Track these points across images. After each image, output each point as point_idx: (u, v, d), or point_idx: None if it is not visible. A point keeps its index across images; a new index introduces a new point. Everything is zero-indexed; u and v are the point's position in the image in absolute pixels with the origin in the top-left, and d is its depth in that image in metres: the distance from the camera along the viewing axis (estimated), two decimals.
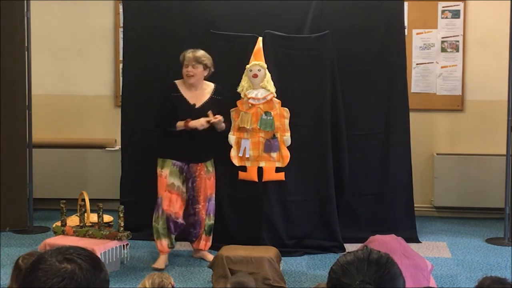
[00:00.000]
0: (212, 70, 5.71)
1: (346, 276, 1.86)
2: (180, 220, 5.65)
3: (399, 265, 1.95)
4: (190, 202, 5.71)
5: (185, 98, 5.64)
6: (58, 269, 1.75)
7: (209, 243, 5.84)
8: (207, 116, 5.56)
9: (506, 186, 6.50)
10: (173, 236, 5.70)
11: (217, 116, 5.56)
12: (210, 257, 5.68)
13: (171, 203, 5.62)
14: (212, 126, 5.60)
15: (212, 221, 5.81)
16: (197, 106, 5.63)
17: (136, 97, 6.48)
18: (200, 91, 5.68)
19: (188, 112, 5.58)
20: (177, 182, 5.63)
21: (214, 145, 5.80)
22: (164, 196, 5.62)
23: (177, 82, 5.69)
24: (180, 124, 5.55)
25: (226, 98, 5.84)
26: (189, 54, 5.60)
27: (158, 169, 5.66)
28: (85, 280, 1.75)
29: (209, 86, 5.73)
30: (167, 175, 5.61)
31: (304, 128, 6.10)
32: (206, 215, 5.76)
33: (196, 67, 5.59)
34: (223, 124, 5.66)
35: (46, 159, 7.45)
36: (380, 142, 6.43)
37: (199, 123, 5.53)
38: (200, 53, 5.63)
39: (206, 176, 5.71)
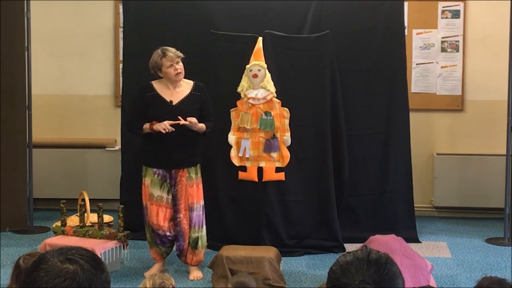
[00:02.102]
0: None
1: (345, 276, 1.86)
2: (166, 232, 5.38)
3: (399, 265, 1.95)
4: (174, 211, 5.40)
5: (161, 96, 5.32)
6: (60, 269, 1.75)
7: (198, 258, 5.45)
8: (186, 114, 5.23)
9: (506, 186, 6.50)
10: (162, 248, 5.46)
11: (189, 118, 5.21)
12: (196, 273, 5.41)
13: (151, 214, 5.38)
14: (189, 128, 5.25)
15: (198, 234, 5.40)
16: (174, 103, 5.31)
17: None
18: (179, 89, 5.36)
19: (165, 110, 5.26)
20: (158, 192, 5.35)
21: (201, 150, 5.51)
22: (147, 206, 5.42)
23: (153, 82, 5.40)
24: (146, 127, 5.28)
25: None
26: (171, 52, 5.27)
27: (143, 177, 5.43)
28: (86, 281, 1.75)
29: (188, 83, 5.42)
30: (148, 184, 5.39)
31: (304, 128, 6.10)
32: (191, 226, 5.39)
33: (179, 63, 5.29)
34: (200, 125, 5.30)
35: (46, 159, 7.45)
36: (380, 142, 6.43)
37: (161, 126, 5.18)
38: (174, 49, 5.34)
39: (188, 183, 5.34)
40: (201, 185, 5.44)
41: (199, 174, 5.44)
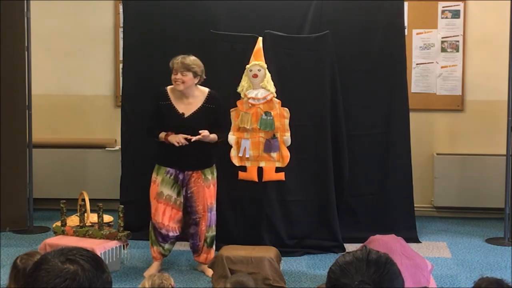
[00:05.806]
0: (204, 77, 5.36)
1: (345, 277, 1.86)
2: (169, 232, 5.41)
3: (399, 265, 1.95)
4: (189, 212, 5.45)
5: (174, 107, 5.33)
6: (61, 269, 1.76)
7: (211, 256, 5.49)
8: (196, 126, 5.26)
9: (506, 186, 6.50)
10: (164, 245, 5.49)
11: (202, 131, 5.23)
12: (210, 272, 5.38)
13: (157, 212, 5.38)
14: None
15: (214, 233, 5.51)
16: (186, 115, 5.31)
17: (136, 97, 6.48)
18: (192, 99, 5.34)
19: (177, 122, 5.30)
20: (168, 191, 5.36)
21: (216, 151, 5.55)
22: (152, 204, 5.43)
23: (168, 88, 5.38)
24: (161, 136, 5.31)
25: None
26: (177, 60, 5.26)
27: (154, 174, 5.42)
28: (87, 281, 1.75)
29: (203, 93, 5.37)
30: (159, 182, 5.38)
31: (304, 128, 6.10)
32: (207, 226, 5.46)
33: (185, 74, 5.23)
34: (212, 136, 5.32)
35: (46, 159, 7.46)
36: (380, 142, 6.43)
37: (175, 139, 5.24)
38: (190, 59, 5.28)
39: (205, 185, 5.40)
40: (215, 185, 5.50)
41: (215, 174, 5.49)
